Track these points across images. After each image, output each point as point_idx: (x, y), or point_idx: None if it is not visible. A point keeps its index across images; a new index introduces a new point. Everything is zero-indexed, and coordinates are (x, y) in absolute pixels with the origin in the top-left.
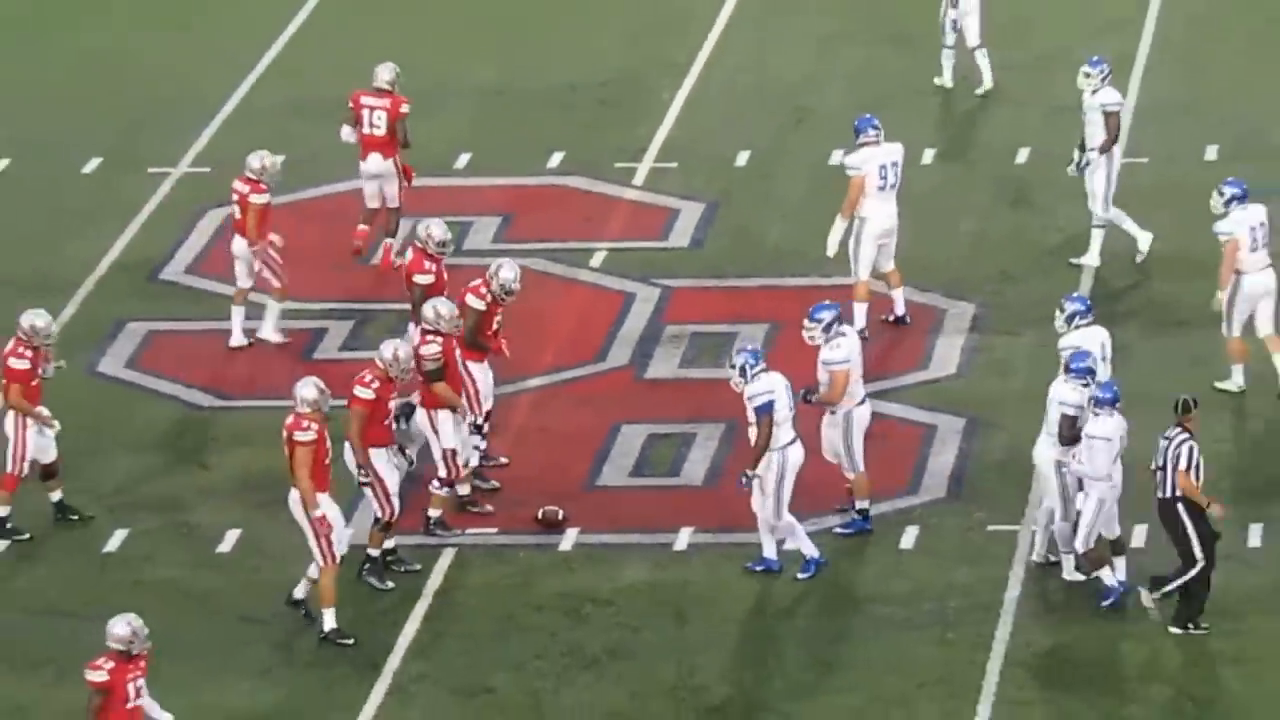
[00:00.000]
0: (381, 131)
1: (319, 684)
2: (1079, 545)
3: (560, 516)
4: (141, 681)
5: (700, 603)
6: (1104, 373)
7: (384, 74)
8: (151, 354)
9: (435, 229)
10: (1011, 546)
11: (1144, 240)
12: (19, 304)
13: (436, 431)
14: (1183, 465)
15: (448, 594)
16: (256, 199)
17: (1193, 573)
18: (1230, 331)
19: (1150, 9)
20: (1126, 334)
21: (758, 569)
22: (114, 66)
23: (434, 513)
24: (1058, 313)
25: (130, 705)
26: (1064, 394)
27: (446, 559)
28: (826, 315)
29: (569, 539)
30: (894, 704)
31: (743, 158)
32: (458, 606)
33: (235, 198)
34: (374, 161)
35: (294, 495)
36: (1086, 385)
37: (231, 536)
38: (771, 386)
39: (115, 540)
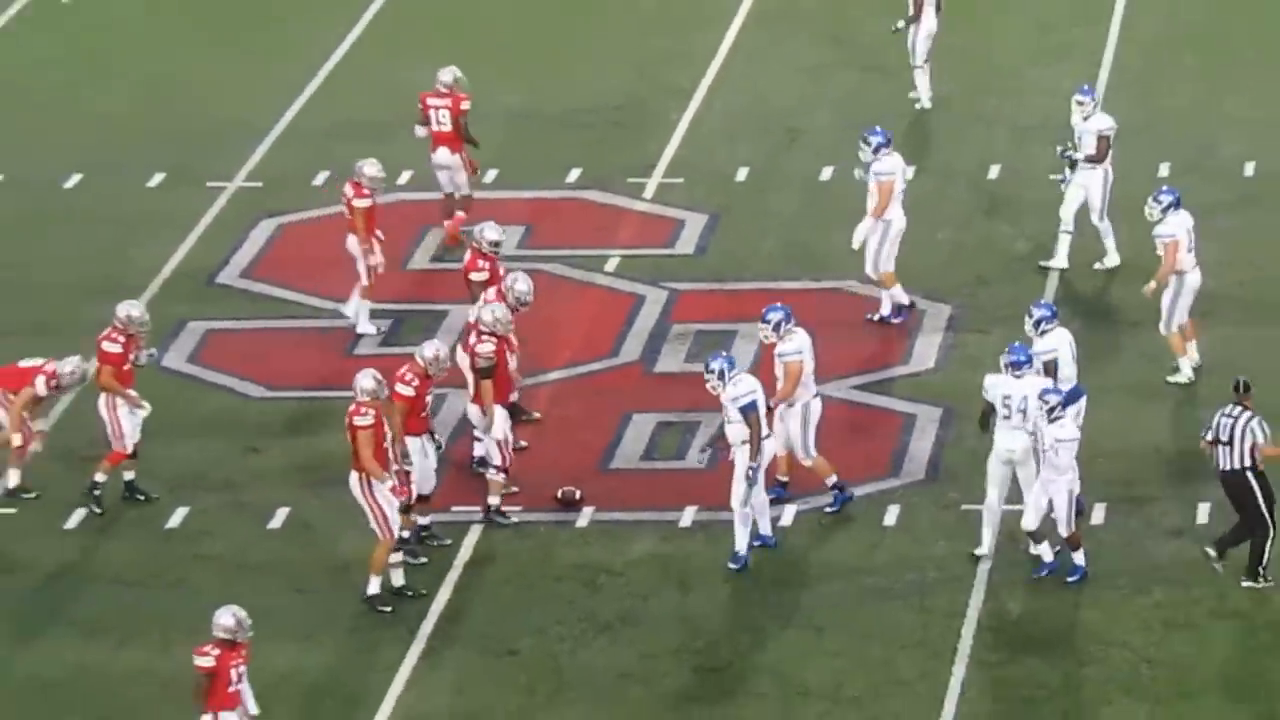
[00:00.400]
0: (447, 127)
1: (359, 647)
2: (1062, 531)
3: (577, 496)
4: (244, 668)
5: (703, 574)
6: (1071, 372)
7: (444, 76)
8: (210, 350)
9: (489, 231)
10: (982, 524)
11: (1112, 259)
12: (90, 307)
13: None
14: (1260, 440)
15: (476, 566)
16: (359, 202)
17: (1273, 535)
18: (1175, 328)
19: (1109, 39)
20: (1085, 333)
21: (754, 544)
22: (175, 91)
23: (494, 500)
24: (1027, 318)
25: (232, 689)
26: (1028, 388)
27: (475, 534)
28: (775, 316)
29: (585, 516)
30: (877, 664)
31: (741, 174)
32: (485, 577)
33: (344, 200)
34: (442, 154)
35: (354, 478)
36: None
37: (281, 514)
38: (753, 387)
39: (176, 517)
